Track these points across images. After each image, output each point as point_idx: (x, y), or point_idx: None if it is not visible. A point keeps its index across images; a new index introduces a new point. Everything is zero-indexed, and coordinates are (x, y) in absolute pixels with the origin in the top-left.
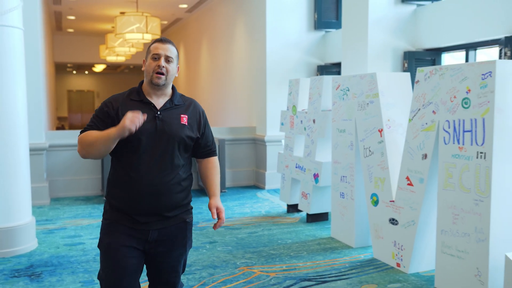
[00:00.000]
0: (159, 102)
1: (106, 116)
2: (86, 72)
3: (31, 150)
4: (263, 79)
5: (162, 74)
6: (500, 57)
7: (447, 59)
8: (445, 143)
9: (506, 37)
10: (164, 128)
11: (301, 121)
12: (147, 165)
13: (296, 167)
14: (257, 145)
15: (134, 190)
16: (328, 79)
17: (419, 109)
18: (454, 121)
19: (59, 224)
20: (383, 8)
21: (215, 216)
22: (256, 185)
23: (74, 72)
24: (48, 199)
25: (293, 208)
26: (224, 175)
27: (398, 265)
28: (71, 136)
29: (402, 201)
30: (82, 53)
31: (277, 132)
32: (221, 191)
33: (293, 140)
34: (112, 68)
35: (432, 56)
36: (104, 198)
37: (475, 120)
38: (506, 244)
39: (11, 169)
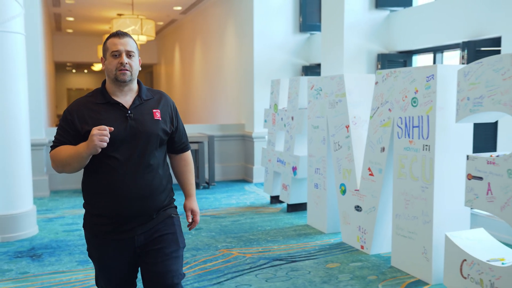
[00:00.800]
0: (126, 100)
1: (71, 125)
2: (85, 71)
3: (32, 145)
4: (251, 79)
5: (127, 70)
6: (460, 60)
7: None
8: (399, 137)
9: (463, 42)
10: (138, 127)
11: (282, 118)
12: (126, 169)
13: (278, 161)
14: (246, 141)
15: (116, 196)
16: (304, 79)
17: (378, 107)
18: (405, 118)
19: (58, 214)
20: (358, 13)
21: (190, 219)
22: (244, 179)
23: (74, 71)
24: (48, 191)
25: (275, 199)
26: (214, 170)
27: (362, 247)
28: None
29: (365, 189)
30: (81, 53)
31: (264, 129)
32: (210, 185)
33: (275, 136)
34: None
35: (404, 58)
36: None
37: (422, 117)
38: (446, 225)
39: (14, 162)
